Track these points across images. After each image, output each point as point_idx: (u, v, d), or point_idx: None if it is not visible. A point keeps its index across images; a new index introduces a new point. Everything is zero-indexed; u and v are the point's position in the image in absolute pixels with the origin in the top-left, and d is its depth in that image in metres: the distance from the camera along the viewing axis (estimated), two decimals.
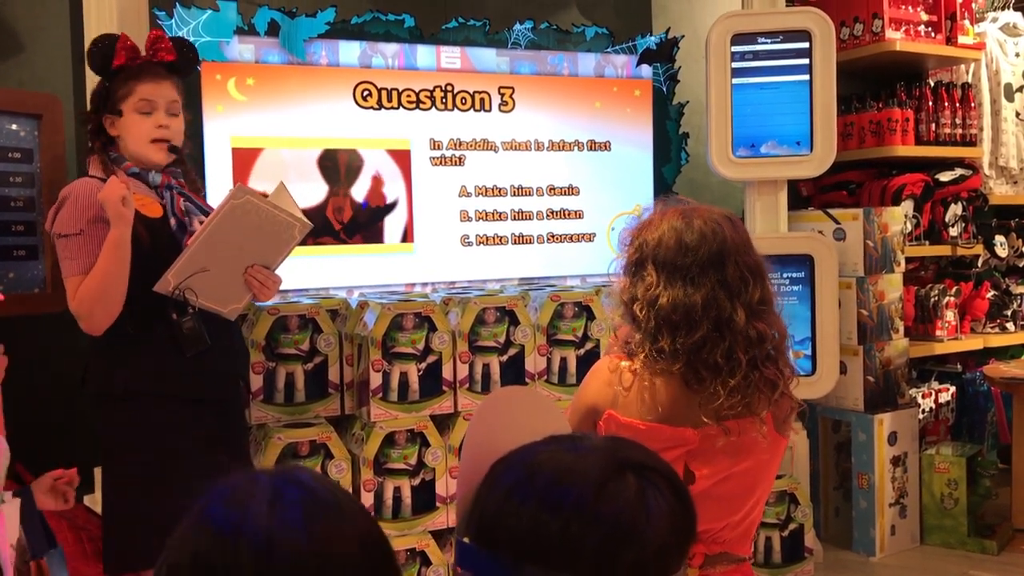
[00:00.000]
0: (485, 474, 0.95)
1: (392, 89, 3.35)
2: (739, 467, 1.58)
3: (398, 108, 3.36)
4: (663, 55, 3.81)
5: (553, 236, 3.64)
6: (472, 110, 3.49)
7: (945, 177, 4.24)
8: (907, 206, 4.12)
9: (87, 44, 2.71)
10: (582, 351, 3.11)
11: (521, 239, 3.59)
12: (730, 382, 1.52)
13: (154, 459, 2.20)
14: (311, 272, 3.19)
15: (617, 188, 3.71)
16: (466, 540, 0.92)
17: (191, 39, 2.97)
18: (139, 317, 2.19)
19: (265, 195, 2.29)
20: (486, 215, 3.52)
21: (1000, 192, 4.54)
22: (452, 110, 3.45)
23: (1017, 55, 4.56)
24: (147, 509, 2.18)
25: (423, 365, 2.88)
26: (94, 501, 2.73)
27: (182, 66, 2.37)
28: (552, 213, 3.64)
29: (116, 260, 2.12)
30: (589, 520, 0.85)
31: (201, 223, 2.24)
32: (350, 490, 2.79)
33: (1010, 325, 4.46)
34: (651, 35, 3.85)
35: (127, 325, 2.18)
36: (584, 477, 0.88)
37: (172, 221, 2.26)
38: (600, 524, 0.85)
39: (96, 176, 2.25)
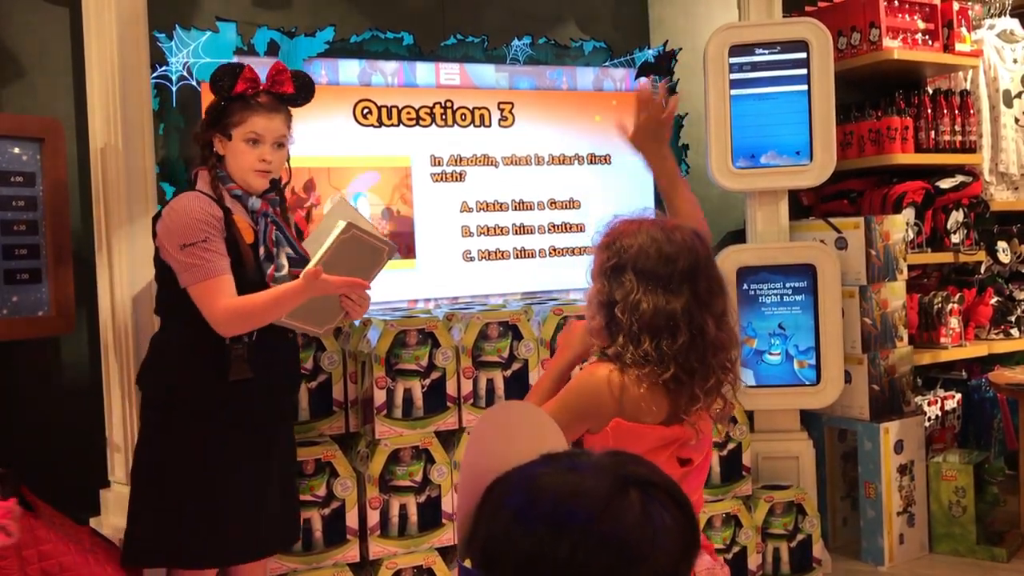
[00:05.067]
0: (484, 495, 0.94)
1: (392, 106, 3.36)
2: (700, 457, 1.76)
3: (398, 125, 3.37)
4: (661, 68, 3.82)
5: (555, 250, 3.65)
6: (472, 126, 3.50)
7: (946, 184, 4.24)
8: (908, 214, 4.11)
9: (88, 68, 2.74)
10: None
11: (523, 253, 3.59)
12: (705, 385, 1.66)
13: (180, 466, 2.25)
14: None
15: (618, 201, 3.70)
16: (468, 565, 0.91)
17: (190, 61, 3.00)
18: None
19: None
20: (488, 230, 3.53)
21: (1001, 198, 4.54)
22: (452, 126, 3.46)
23: (1015, 61, 4.56)
24: (161, 514, 2.24)
25: (427, 381, 2.88)
26: (99, 524, 2.73)
27: (299, 98, 2.39)
28: (554, 227, 3.64)
29: (291, 301, 2.20)
30: (595, 543, 0.84)
31: (289, 257, 2.30)
32: (355, 509, 2.79)
33: (1014, 331, 4.45)
34: (649, 48, 3.86)
35: (195, 335, 2.22)
36: (588, 498, 0.86)
37: (261, 250, 2.29)
38: (607, 546, 0.84)
39: (204, 192, 2.28)
